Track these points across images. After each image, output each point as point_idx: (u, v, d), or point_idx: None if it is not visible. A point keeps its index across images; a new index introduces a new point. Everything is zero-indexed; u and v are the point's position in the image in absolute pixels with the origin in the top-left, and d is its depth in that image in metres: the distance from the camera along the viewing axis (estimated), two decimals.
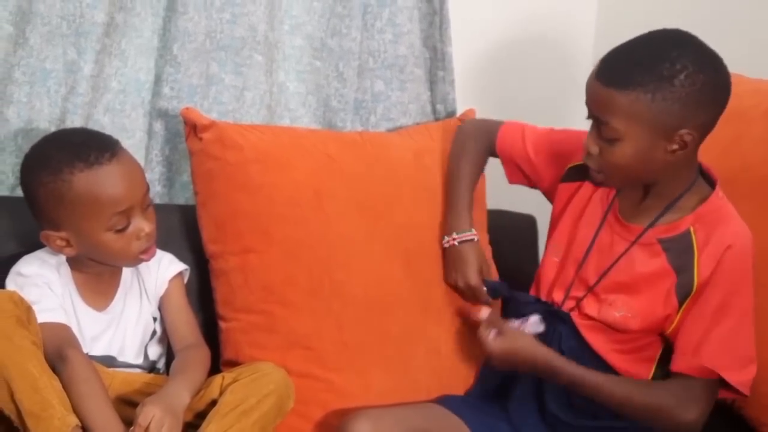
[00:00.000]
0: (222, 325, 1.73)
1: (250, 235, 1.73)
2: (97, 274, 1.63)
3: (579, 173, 1.66)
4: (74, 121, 1.85)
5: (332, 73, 2.06)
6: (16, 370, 1.39)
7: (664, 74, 1.43)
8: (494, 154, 1.83)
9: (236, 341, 1.71)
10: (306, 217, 1.75)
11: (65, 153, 1.53)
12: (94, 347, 1.60)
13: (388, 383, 1.70)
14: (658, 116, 1.44)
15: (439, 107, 2.14)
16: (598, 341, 1.59)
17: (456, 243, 1.74)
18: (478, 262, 1.73)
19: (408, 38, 2.08)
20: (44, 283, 1.57)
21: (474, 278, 1.72)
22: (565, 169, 1.70)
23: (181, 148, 1.93)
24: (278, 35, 1.99)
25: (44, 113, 1.84)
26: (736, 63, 1.88)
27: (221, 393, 1.52)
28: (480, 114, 2.01)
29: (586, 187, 1.66)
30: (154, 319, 1.68)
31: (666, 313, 1.53)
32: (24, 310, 1.47)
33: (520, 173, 1.78)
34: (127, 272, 1.67)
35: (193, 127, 1.77)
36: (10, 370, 1.39)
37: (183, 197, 1.97)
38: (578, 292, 1.61)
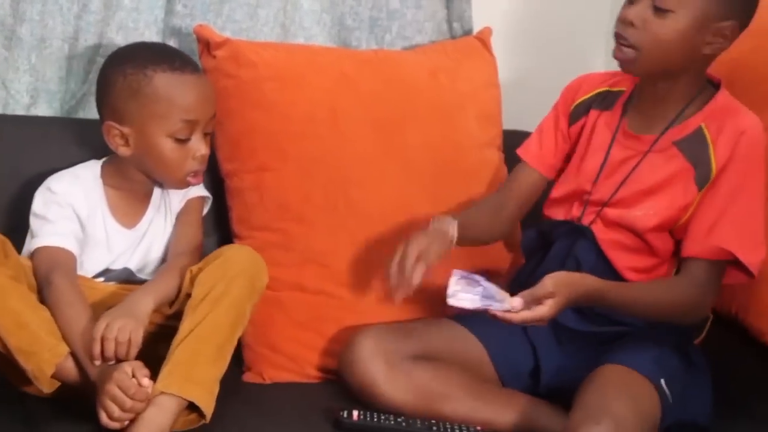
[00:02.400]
0: (238, 243, 1.73)
1: (265, 152, 1.73)
2: (129, 191, 1.65)
3: (582, 108, 1.67)
4: (87, 40, 1.83)
5: None
6: None
7: None
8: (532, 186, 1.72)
9: None
10: (321, 135, 1.74)
11: (155, 54, 1.61)
12: (117, 262, 1.62)
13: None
14: None
15: (456, 25, 2.10)
16: (617, 258, 1.59)
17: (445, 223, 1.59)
18: (444, 248, 1.56)
19: None
20: (68, 203, 1.58)
21: (435, 253, 1.53)
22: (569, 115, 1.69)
23: None
24: None
25: (57, 31, 1.83)
26: None
27: (193, 286, 1.49)
28: (496, 31, 1.98)
29: (590, 117, 1.66)
30: None
31: (684, 203, 1.54)
32: None
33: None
34: (157, 193, 1.68)
35: (207, 45, 1.76)
36: None
37: None
38: (597, 207, 1.61)
